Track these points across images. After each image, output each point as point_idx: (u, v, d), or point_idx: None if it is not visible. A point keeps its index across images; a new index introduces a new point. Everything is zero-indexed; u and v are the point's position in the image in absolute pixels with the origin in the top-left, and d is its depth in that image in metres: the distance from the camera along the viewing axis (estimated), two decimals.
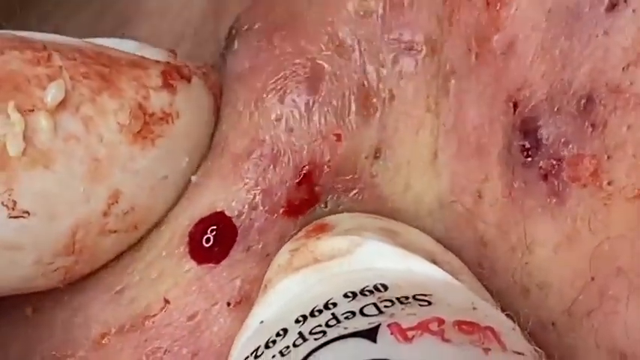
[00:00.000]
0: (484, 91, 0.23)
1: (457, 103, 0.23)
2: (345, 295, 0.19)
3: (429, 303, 0.19)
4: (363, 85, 0.25)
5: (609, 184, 0.20)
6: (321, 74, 0.25)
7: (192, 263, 0.25)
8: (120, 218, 0.23)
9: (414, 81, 0.25)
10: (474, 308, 0.19)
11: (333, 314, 0.19)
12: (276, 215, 0.24)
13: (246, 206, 0.25)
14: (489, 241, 0.23)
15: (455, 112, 0.24)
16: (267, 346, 0.19)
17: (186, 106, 0.24)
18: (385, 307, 0.19)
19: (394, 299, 0.19)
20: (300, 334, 0.19)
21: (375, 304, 0.19)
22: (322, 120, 0.24)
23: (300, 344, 0.18)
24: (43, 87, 0.22)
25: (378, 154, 0.25)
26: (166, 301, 0.25)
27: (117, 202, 0.23)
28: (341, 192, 0.24)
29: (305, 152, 0.24)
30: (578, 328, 0.20)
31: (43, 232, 0.22)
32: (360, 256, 0.21)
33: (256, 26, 0.26)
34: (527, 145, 0.21)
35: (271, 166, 0.25)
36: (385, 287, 0.19)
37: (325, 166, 0.24)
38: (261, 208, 0.24)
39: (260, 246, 0.24)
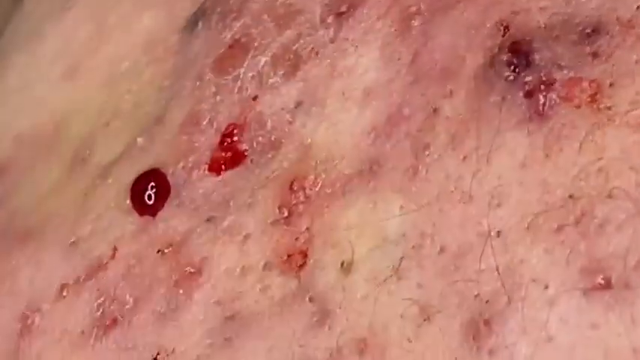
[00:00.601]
0: (463, 19, 0.23)
1: (421, 39, 0.23)
2: None
3: None
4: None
5: (608, 108, 0.19)
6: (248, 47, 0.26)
7: (135, 215, 0.26)
8: None
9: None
10: None
11: None
12: (203, 172, 0.25)
13: (179, 165, 0.26)
14: (438, 148, 0.22)
15: (415, 48, 0.23)
16: None
17: None
18: None
19: None
20: None
21: None
22: (245, 87, 0.25)
23: None
24: None
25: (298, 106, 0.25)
26: (115, 249, 0.25)
27: None
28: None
29: (227, 114, 0.25)
30: (539, 241, 0.19)
31: None
32: None
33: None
34: (516, 62, 0.21)
35: (199, 130, 0.26)
36: None
37: (245, 124, 0.25)
38: (189, 165, 0.25)
39: (188, 201, 0.25)
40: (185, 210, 0.25)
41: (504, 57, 0.21)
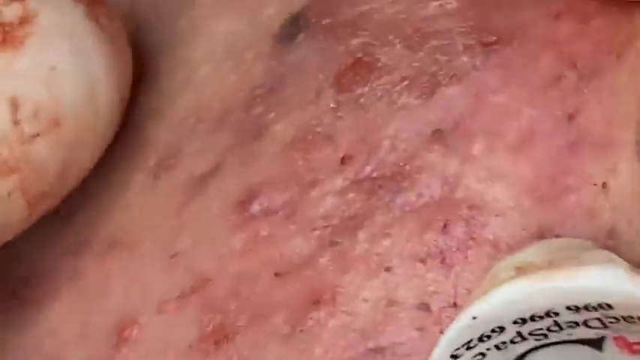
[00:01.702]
0: (618, 85, 0.22)
1: (579, 97, 0.22)
2: (568, 308, 0.18)
3: None
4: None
5: None
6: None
7: (243, 233, 0.25)
8: (32, 120, 0.24)
9: None
10: None
11: (555, 322, 0.18)
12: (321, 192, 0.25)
13: (292, 183, 0.25)
14: (618, 232, 0.22)
15: (574, 105, 0.23)
16: (480, 340, 0.18)
17: (42, 6, 0.25)
18: (610, 322, 0.18)
19: (619, 317, 0.18)
20: (519, 333, 0.18)
21: (599, 319, 0.18)
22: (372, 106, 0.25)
23: (519, 342, 0.18)
24: None
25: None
26: (222, 266, 0.25)
27: (18, 106, 0.23)
28: None
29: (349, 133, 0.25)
30: None
31: None
32: (592, 272, 0.19)
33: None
34: None
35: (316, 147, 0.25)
36: (610, 306, 0.18)
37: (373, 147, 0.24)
38: (305, 184, 0.25)
39: (305, 222, 0.25)
40: (303, 232, 0.24)
41: None
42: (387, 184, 0.24)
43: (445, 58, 0.24)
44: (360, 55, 0.25)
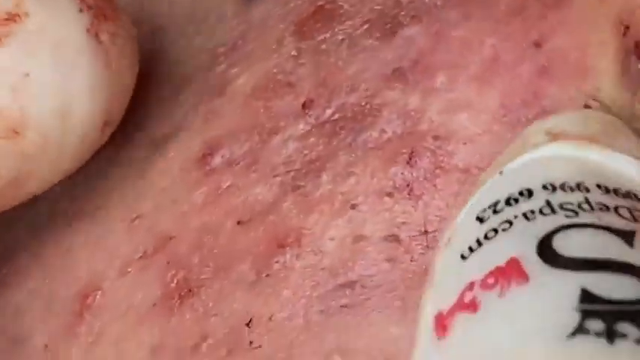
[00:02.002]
0: (587, 15, 0.22)
1: (546, 27, 0.23)
2: (598, 186, 0.18)
3: None
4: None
5: None
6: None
7: (204, 188, 0.25)
8: None
9: None
10: None
11: (586, 199, 0.17)
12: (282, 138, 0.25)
13: (254, 131, 0.25)
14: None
15: (542, 34, 0.23)
16: (507, 203, 0.18)
17: (38, 6, 0.23)
18: (638, 215, 0.17)
19: None
20: (549, 203, 0.17)
21: (629, 209, 0.17)
22: (334, 50, 0.25)
23: (548, 214, 0.17)
24: None
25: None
26: (184, 222, 0.25)
27: None
28: None
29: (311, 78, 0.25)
30: None
31: None
32: (619, 156, 0.19)
33: None
34: None
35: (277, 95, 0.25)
36: (636, 196, 0.18)
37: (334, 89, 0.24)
38: (266, 132, 0.25)
39: (269, 169, 0.25)
40: (264, 179, 0.24)
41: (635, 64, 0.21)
42: (349, 124, 0.24)
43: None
44: (321, 2, 0.25)
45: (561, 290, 0.15)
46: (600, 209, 0.17)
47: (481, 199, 0.19)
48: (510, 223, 0.17)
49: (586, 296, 0.15)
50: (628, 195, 0.18)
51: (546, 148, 0.19)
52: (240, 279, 0.23)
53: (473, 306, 0.16)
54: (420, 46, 0.24)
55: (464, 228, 0.18)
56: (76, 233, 0.27)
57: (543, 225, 0.17)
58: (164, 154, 0.27)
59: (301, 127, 0.24)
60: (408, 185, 0.23)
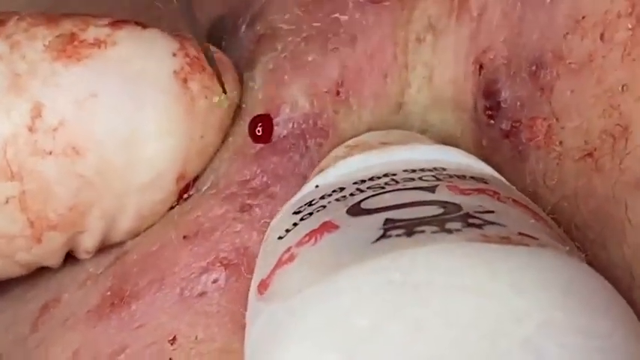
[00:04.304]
0: (460, 50, 0.23)
1: (435, 58, 0.24)
2: (405, 170, 0.19)
3: (485, 182, 0.19)
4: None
5: (560, 144, 0.20)
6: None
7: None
8: (49, 136, 0.22)
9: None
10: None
11: (392, 178, 0.19)
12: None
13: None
14: None
15: (432, 67, 0.24)
16: (321, 198, 0.19)
17: (127, 39, 0.23)
18: (444, 177, 0.19)
19: (452, 175, 0.19)
20: (358, 189, 0.19)
21: (434, 175, 0.19)
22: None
23: (357, 194, 0.18)
24: None
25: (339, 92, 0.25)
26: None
27: (40, 115, 0.22)
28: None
29: None
30: None
31: None
32: (423, 147, 0.21)
33: None
34: (489, 106, 0.22)
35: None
36: (444, 169, 0.20)
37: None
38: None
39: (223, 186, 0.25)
40: (218, 195, 0.24)
41: (482, 103, 0.22)
42: (298, 142, 0.24)
43: (344, 17, 0.25)
44: (262, 31, 0.26)
45: (367, 224, 0.16)
46: (405, 181, 0.19)
47: (296, 203, 0.20)
48: (324, 206, 0.18)
49: (389, 221, 0.16)
50: (434, 169, 0.19)
51: (352, 159, 0.21)
52: (173, 294, 0.23)
53: (290, 259, 0.17)
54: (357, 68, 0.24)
55: (280, 222, 0.19)
56: None
57: (352, 200, 0.18)
58: None
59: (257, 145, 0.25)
60: None
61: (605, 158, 0.19)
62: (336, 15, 0.25)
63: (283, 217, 0.20)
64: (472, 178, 0.19)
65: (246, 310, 0.20)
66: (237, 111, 0.26)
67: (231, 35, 0.27)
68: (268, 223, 0.22)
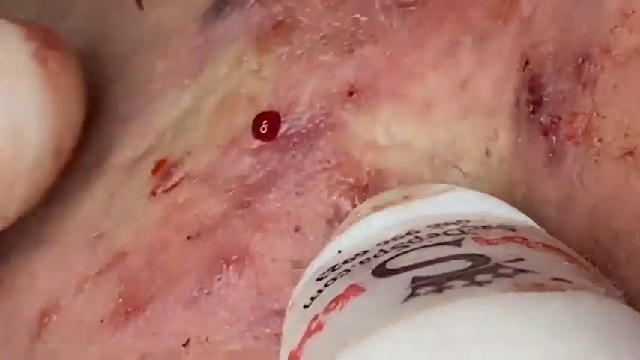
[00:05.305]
0: (504, 50, 0.23)
1: (471, 60, 0.23)
2: (428, 226, 0.19)
3: (512, 230, 0.19)
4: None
5: (599, 140, 0.20)
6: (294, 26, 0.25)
7: (159, 204, 0.25)
8: None
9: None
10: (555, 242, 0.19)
11: (416, 236, 0.19)
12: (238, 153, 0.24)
13: (214, 145, 0.25)
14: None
15: (467, 70, 0.23)
16: (345, 262, 0.19)
17: None
18: (469, 230, 0.19)
19: (478, 226, 0.19)
20: (382, 250, 0.19)
21: (459, 229, 0.19)
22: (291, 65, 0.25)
23: (381, 255, 0.18)
24: None
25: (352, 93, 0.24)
26: (138, 237, 0.25)
27: None
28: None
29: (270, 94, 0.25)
30: None
31: None
32: (447, 198, 0.21)
33: None
34: (532, 100, 0.21)
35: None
36: (468, 221, 0.19)
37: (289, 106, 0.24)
38: (226, 145, 0.25)
39: (221, 183, 0.24)
40: (217, 193, 0.24)
41: (525, 97, 0.22)
42: (302, 141, 0.24)
43: (365, 18, 0.24)
44: (281, 17, 0.25)
45: (394, 283, 0.16)
46: (430, 237, 0.18)
47: (318, 270, 0.20)
48: (348, 270, 0.18)
49: (417, 279, 0.16)
50: (458, 222, 0.19)
51: (372, 218, 0.20)
52: (183, 296, 0.23)
53: (318, 328, 0.17)
54: (374, 68, 0.24)
55: (305, 289, 0.19)
56: (41, 255, 0.27)
57: (377, 261, 0.18)
58: (133, 176, 0.26)
59: (257, 141, 0.24)
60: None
61: None
62: (357, 15, 0.24)
63: (307, 284, 0.20)
64: (498, 226, 0.19)
65: (251, 306, 0.22)
66: (234, 96, 0.25)
67: (237, 4, 0.26)
68: (267, 221, 0.23)
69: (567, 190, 0.20)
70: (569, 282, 0.16)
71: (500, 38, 0.23)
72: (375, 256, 0.18)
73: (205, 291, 0.23)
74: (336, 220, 0.23)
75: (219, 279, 0.23)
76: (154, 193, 0.25)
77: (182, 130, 0.26)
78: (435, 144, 0.23)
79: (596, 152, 0.19)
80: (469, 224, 0.19)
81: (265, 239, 0.23)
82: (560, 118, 0.21)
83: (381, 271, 0.17)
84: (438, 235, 0.19)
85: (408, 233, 0.19)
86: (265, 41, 0.25)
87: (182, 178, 0.25)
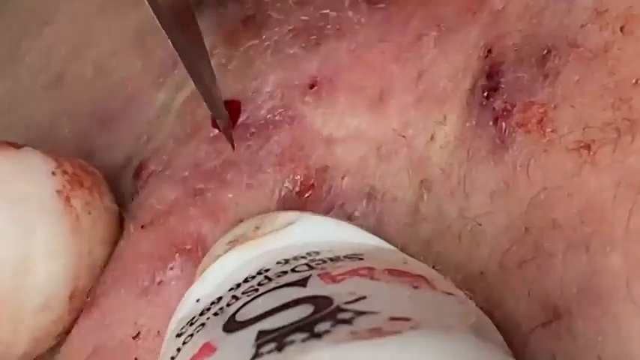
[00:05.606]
0: (468, 40, 0.22)
1: (433, 54, 0.23)
2: (278, 262, 0.19)
3: (360, 259, 0.19)
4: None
5: (552, 131, 0.19)
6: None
7: None
8: None
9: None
10: (405, 263, 0.19)
11: (265, 276, 0.19)
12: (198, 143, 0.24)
13: (181, 134, 0.25)
14: (432, 183, 0.22)
15: (428, 62, 0.23)
16: (201, 314, 0.19)
17: (4, 161, 0.23)
18: (317, 264, 0.19)
19: (326, 259, 0.19)
20: (234, 296, 0.19)
21: (307, 264, 0.19)
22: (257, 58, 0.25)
23: (233, 303, 0.18)
24: None
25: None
26: None
27: None
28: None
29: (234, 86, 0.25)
30: (509, 279, 0.19)
31: None
32: (296, 229, 0.21)
33: None
34: (488, 86, 0.21)
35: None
36: (317, 253, 0.20)
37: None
38: (188, 132, 0.25)
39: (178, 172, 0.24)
40: (171, 180, 0.24)
41: (481, 83, 0.21)
42: (258, 131, 0.23)
43: (334, 14, 0.24)
44: (252, 12, 0.25)
45: (240, 342, 0.16)
46: (278, 276, 0.19)
47: (179, 323, 0.20)
48: (203, 324, 0.18)
49: (261, 335, 0.16)
50: (307, 254, 0.19)
51: (227, 259, 0.20)
52: (135, 287, 0.23)
53: None
54: (337, 62, 0.23)
55: (167, 349, 0.19)
56: None
57: (228, 312, 0.18)
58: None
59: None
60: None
61: (605, 152, 0.18)
62: (327, 11, 0.24)
63: (168, 341, 0.19)
64: (346, 257, 0.19)
65: None
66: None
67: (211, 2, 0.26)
68: (218, 210, 0.22)
69: (508, 176, 0.20)
70: (407, 320, 0.16)
71: (468, 29, 0.22)
72: (228, 305, 0.18)
73: (157, 281, 0.22)
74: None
75: (172, 268, 0.22)
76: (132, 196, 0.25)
77: (155, 130, 0.26)
78: (385, 133, 0.22)
79: (547, 142, 0.19)
80: (318, 257, 0.19)
81: (216, 228, 0.22)
82: (514, 106, 0.20)
83: (231, 326, 0.17)
84: (286, 272, 0.19)
85: (259, 273, 0.19)
86: (235, 35, 0.25)
87: (150, 175, 0.25)
